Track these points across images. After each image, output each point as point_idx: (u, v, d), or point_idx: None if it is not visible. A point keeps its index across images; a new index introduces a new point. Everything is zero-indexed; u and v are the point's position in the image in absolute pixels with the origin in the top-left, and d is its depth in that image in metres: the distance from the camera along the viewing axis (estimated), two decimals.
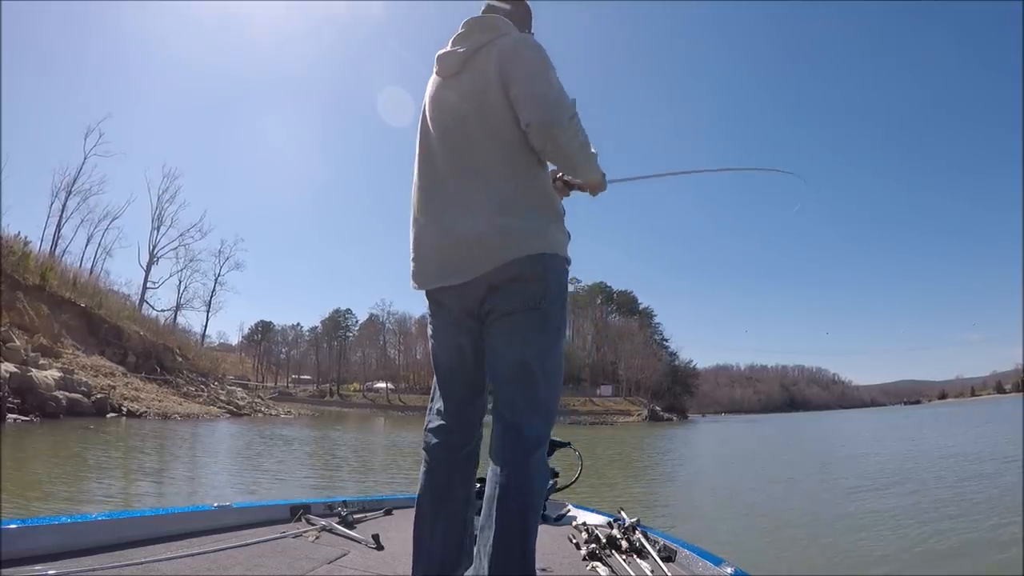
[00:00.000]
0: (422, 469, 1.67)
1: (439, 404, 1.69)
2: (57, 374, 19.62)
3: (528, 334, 1.52)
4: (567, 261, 1.61)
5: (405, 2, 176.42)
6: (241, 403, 36.52)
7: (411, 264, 1.66)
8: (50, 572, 1.46)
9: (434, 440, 1.67)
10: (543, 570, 1.91)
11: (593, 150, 1.64)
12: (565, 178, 1.87)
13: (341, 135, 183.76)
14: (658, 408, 72.28)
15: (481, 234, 1.50)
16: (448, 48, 1.68)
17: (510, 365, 1.53)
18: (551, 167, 1.73)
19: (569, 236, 1.64)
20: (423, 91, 1.77)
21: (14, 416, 15.46)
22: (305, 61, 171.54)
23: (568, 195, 1.90)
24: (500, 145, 1.55)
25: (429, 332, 1.72)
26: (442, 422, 1.67)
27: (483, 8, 1.79)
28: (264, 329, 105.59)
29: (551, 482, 3.10)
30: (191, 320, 75.09)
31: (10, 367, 17.03)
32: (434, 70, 1.73)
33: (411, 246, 1.66)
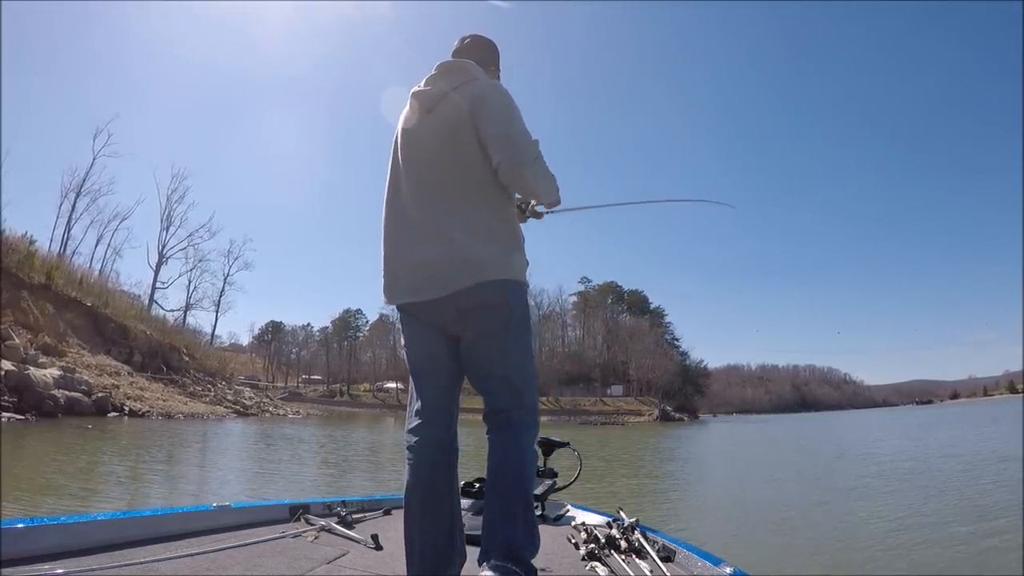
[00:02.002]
0: (407, 469, 1.75)
1: (417, 406, 1.79)
2: (56, 372, 19.45)
3: (503, 353, 1.73)
4: (526, 285, 1.81)
5: (414, 2, 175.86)
6: (248, 403, 36.39)
7: (382, 280, 1.81)
8: (50, 572, 1.45)
9: (415, 439, 1.75)
10: (542, 570, 1.90)
11: (552, 176, 1.82)
12: (520, 206, 2.04)
13: (349, 135, 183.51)
14: (669, 408, 71.43)
15: (451, 257, 1.66)
16: (422, 87, 1.84)
17: (494, 379, 1.74)
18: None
19: (528, 263, 1.81)
20: None
21: (8, 415, 15.26)
22: (313, 61, 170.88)
23: (525, 222, 2.06)
24: (470, 177, 1.72)
25: (402, 341, 1.85)
26: (421, 422, 1.76)
27: (453, 48, 1.99)
28: (274, 329, 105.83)
29: (551, 482, 3.14)
30: (201, 320, 75.49)
31: (7, 365, 16.84)
32: (407, 106, 1.87)
33: (383, 264, 1.81)
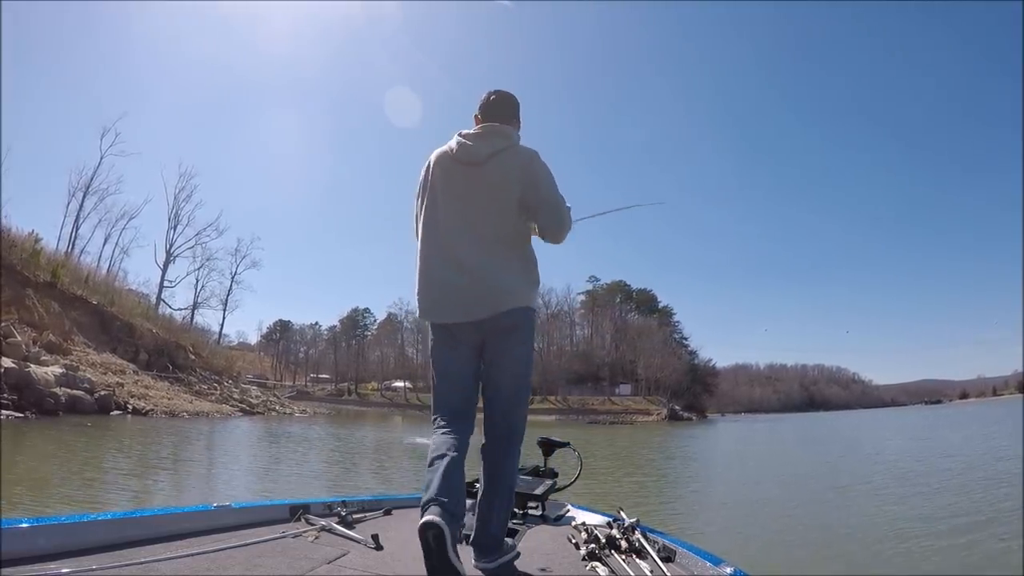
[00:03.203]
0: (434, 436, 2.03)
1: (442, 407, 2.10)
2: (58, 370, 19.32)
3: (519, 372, 2.14)
4: (536, 311, 2.24)
5: (421, 1, 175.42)
6: (255, 401, 36.36)
7: (422, 300, 2.15)
8: (50, 572, 1.45)
9: (440, 434, 2.02)
10: (543, 570, 2.00)
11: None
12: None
13: (355, 135, 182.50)
14: (677, 407, 70.98)
15: (493, 287, 2.04)
16: (469, 141, 2.15)
17: (508, 393, 2.13)
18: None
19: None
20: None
21: (7, 413, 15.09)
22: (319, 60, 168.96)
23: None
24: (509, 222, 2.11)
25: (433, 349, 2.16)
26: (445, 421, 2.06)
27: (481, 101, 2.26)
28: (282, 328, 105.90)
29: (551, 482, 3.17)
30: (209, 319, 75.63)
31: (7, 362, 16.70)
32: (450, 151, 2.16)
33: (424, 286, 2.14)
